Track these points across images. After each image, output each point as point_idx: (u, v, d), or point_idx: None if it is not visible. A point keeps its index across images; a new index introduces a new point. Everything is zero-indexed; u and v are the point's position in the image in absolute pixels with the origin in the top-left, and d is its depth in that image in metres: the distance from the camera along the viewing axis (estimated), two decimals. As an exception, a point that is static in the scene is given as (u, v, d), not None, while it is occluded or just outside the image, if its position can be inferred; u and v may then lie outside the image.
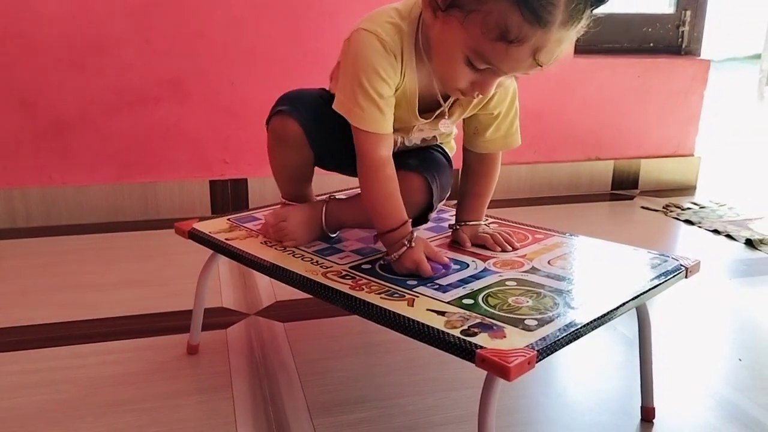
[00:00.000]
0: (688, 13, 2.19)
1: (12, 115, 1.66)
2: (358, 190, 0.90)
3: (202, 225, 1.02)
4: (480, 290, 0.77)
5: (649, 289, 0.78)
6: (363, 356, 1.08)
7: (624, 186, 2.20)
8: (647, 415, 0.91)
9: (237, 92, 1.78)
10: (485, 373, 0.62)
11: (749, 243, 1.66)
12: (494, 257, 0.89)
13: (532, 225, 1.03)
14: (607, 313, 0.71)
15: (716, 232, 1.76)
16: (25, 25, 1.61)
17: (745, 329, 1.22)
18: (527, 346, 0.62)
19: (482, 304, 0.72)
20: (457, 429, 0.88)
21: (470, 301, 0.73)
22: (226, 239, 0.96)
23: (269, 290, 1.32)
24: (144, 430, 0.87)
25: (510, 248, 0.92)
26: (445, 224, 1.04)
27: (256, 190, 1.86)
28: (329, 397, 0.95)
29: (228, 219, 1.06)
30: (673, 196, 2.13)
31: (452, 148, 1.06)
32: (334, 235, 0.97)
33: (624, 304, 0.74)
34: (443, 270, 0.83)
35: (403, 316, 0.69)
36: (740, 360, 1.09)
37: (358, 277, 0.81)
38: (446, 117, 0.90)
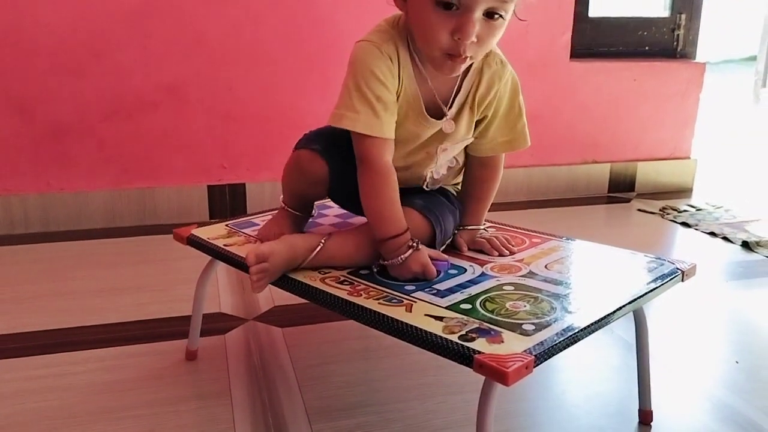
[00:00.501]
0: (683, 16, 2.20)
1: (10, 121, 1.66)
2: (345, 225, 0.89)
3: (200, 231, 1.02)
4: (478, 295, 0.77)
5: (646, 293, 0.79)
6: (361, 361, 1.08)
7: (621, 189, 2.21)
8: (645, 418, 0.92)
9: (235, 97, 1.78)
10: (484, 377, 0.62)
11: (746, 245, 1.66)
12: (492, 262, 0.89)
13: (530, 229, 1.04)
14: (604, 317, 0.71)
15: (713, 234, 1.77)
16: (23, 31, 1.61)
17: (742, 331, 1.23)
18: (525, 350, 0.63)
19: (480, 309, 0.73)
20: (456, 433, 0.88)
21: (468, 306, 0.74)
22: (225, 245, 0.96)
23: (267, 295, 1.32)
24: (143, 437, 0.87)
25: (507, 253, 0.92)
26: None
27: (255, 195, 1.86)
28: (328, 402, 0.95)
29: (226, 225, 1.06)
30: (669, 199, 2.13)
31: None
32: None
33: (620, 308, 0.74)
34: (447, 266, 0.84)
35: (402, 322, 0.69)
36: (737, 362, 1.09)
37: (356, 283, 0.81)
38: (447, 117, 0.88)
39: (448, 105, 0.88)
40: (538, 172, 2.10)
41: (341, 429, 0.89)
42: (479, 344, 0.64)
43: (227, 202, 1.85)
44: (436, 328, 0.68)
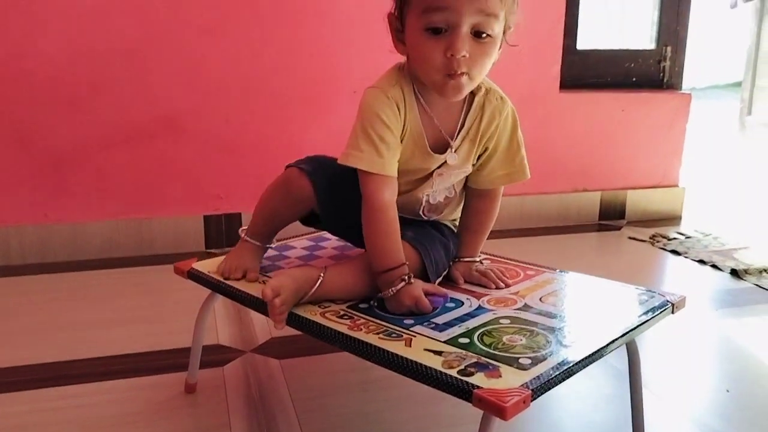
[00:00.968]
0: (669, 49, 2.26)
1: (10, 152, 1.68)
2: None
3: (200, 265, 1.03)
4: (475, 329, 0.79)
5: (638, 326, 0.81)
6: (360, 393, 1.09)
7: (611, 216, 2.24)
8: (639, 447, 0.94)
9: (232, 128, 1.81)
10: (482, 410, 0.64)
11: (734, 273, 1.69)
12: (488, 294, 0.91)
13: (524, 261, 1.06)
14: (598, 350, 0.74)
15: (702, 262, 1.80)
16: (24, 63, 1.64)
17: (732, 360, 1.25)
18: (522, 385, 0.65)
19: (478, 343, 0.75)
20: (454, 465, 0.90)
21: (466, 340, 0.76)
22: (225, 278, 0.98)
23: (264, 327, 1.33)
24: (144, 471, 0.88)
25: (503, 285, 0.94)
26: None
27: (250, 225, 1.88)
28: (327, 435, 0.96)
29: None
30: (659, 226, 2.17)
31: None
32: None
33: (613, 341, 0.76)
34: (444, 301, 0.86)
35: (402, 357, 0.71)
36: (728, 391, 1.11)
37: (356, 317, 0.83)
38: (452, 150, 0.93)
39: (453, 138, 0.93)
40: (530, 201, 2.14)
41: (341, 461, 0.90)
42: (478, 379, 0.66)
43: (223, 231, 1.87)
44: (435, 362, 0.70)
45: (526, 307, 0.86)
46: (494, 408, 0.61)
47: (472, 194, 1.01)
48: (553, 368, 0.69)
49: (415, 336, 0.77)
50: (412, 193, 0.96)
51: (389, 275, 0.86)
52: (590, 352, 0.73)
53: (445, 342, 0.75)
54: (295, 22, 1.80)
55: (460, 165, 0.95)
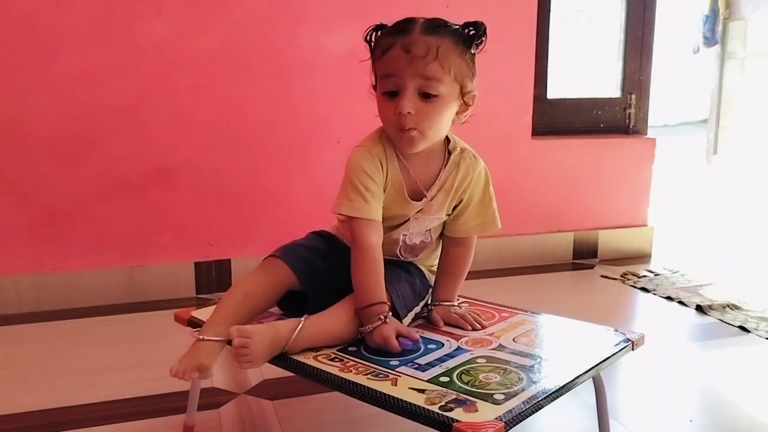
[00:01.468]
0: (633, 96, 2.41)
1: (7, 206, 1.74)
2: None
3: (199, 313, 1.11)
4: (454, 368, 0.87)
5: (600, 362, 0.90)
6: (348, 430, 1.16)
7: (584, 255, 2.35)
8: (608, 475, 1.01)
9: (222, 179, 1.90)
10: (461, 443, 0.72)
11: (699, 309, 1.80)
12: (466, 336, 1.00)
13: (499, 303, 1.15)
14: (564, 385, 0.83)
15: (669, 298, 1.90)
16: (21, 120, 1.71)
17: (696, 391, 1.34)
18: (496, 418, 0.73)
19: (457, 381, 0.83)
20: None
21: (446, 379, 0.84)
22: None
23: (256, 369, 1.39)
24: None
25: (480, 327, 1.03)
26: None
27: (240, 270, 1.95)
28: (320, 471, 1.03)
29: (222, 306, 1.15)
30: (630, 264, 2.28)
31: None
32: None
33: (578, 377, 0.85)
34: (412, 346, 0.93)
35: (389, 395, 0.79)
36: (691, 421, 1.20)
37: (345, 360, 0.91)
38: (427, 198, 1.04)
39: (429, 189, 1.04)
40: (507, 242, 2.24)
41: (333, 496, 0.96)
42: (457, 413, 0.74)
43: (213, 277, 1.94)
44: (419, 399, 0.78)
45: (500, 347, 0.95)
46: (471, 439, 0.69)
47: (449, 242, 1.11)
48: (524, 402, 0.77)
49: (400, 376, 0.85)
50: (390, 234, 1.07)
51: (369, 311, 0.95)
52: (557, 387, 0.82)
53: (427, 381, 0.83)
54: (281, 79, 1.91)
55: (435, 212, 1.06)
